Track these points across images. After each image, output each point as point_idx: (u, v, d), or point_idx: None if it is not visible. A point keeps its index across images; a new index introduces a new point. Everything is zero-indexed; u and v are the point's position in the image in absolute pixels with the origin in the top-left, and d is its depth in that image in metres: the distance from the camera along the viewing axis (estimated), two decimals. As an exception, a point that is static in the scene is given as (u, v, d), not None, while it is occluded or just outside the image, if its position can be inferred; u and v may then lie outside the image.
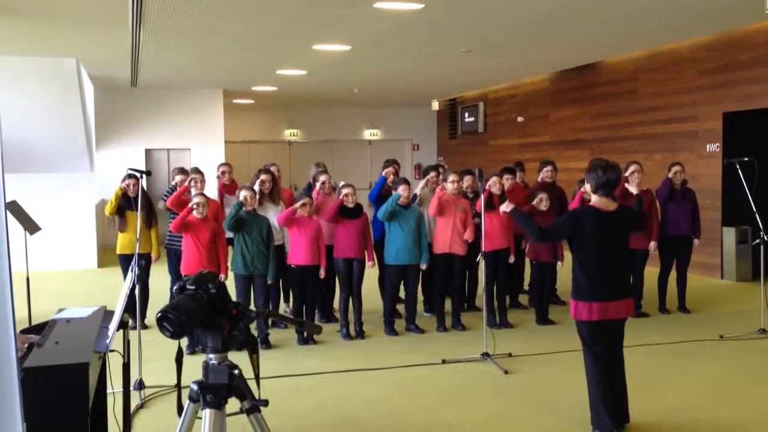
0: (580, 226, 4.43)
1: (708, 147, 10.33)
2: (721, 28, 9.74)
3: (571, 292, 4.51)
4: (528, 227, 4.78)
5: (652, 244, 7.79)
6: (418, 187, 7.73)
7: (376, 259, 7.36)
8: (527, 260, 7.99)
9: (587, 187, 4.61)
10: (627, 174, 7.62)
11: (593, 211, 4.47)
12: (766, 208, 7.62)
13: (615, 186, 4.53)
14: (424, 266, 7.18)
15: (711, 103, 10.28)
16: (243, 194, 6.60)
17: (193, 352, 5.79)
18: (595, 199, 4.51)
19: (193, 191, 7.12)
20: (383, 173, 7.82)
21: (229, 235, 6.97)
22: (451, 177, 7.32)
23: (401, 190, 7.00)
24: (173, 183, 7.71)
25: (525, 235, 7.91)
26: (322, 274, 6.99)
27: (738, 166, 7.16)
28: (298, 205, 6.80)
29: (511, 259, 7.55)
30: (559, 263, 7.63)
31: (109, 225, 7.85)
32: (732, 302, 8.73)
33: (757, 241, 7.10)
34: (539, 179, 8.47)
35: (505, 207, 5.00)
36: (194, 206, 6.51)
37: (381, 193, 7.57)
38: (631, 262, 7.33)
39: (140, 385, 5.23)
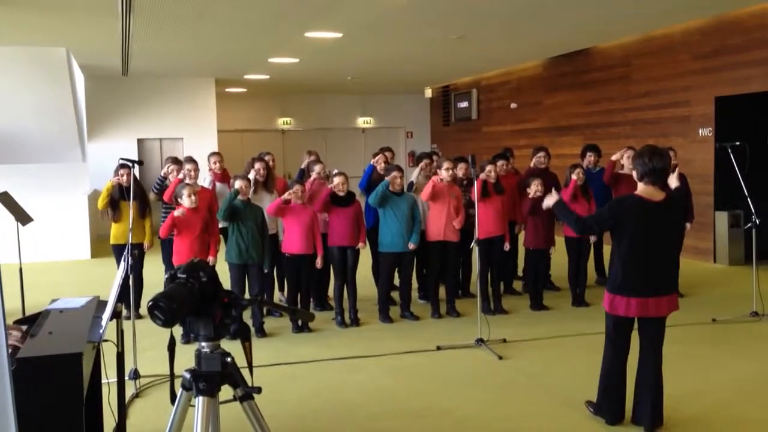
0: (623, 217, 4.16)
1: (700, 131, 10.34)
2: (713, 12, 9.73)
3: (607, 285, 4.32)
4: (569, 220, 4.51)
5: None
6: (414, 175, 7.72)
7: (367, 242, 7.33)
8: (521, 246, 8.00)
9: (635, 173, 4.28)
10: (623, 160, 7.71)
11: (638, 201, 4.18)
12: (758, 192, 7.65)
13: (663, 174, 4.19)
14: (412, 245, 7.06)
15: (704, 88, 10.28)
16: (238, 183, 6.60)
17: (188, 342, 5.79)
18: (640, 188, 4.23)
19: (187, 181, 7.09)
20: (372, 162, 7.79)
21: (223, 224, 6.95)
22: (446, 164, 7.30)
23: (393, 176, 6.98)
24: (162, 173, 7.67)
25: (518, 222, 7.94)
26: (319, 263, 6.99)
27: (730, 150, 7.17)
28: (286, 195, 6.77)
29: (506, 247, 7.55)
30: (552, 248, 7.67)
31: (102, 217, 7.84)
32: (724, 286, 8.77)
33: (750, 224, 7.11)
34: (531, 165, 8.47)
35: (549, 201, 4.65)
36: (183, 197, 6.48)
37: (371, 183, 7.54)
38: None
39: (135, 375, 5.24)
